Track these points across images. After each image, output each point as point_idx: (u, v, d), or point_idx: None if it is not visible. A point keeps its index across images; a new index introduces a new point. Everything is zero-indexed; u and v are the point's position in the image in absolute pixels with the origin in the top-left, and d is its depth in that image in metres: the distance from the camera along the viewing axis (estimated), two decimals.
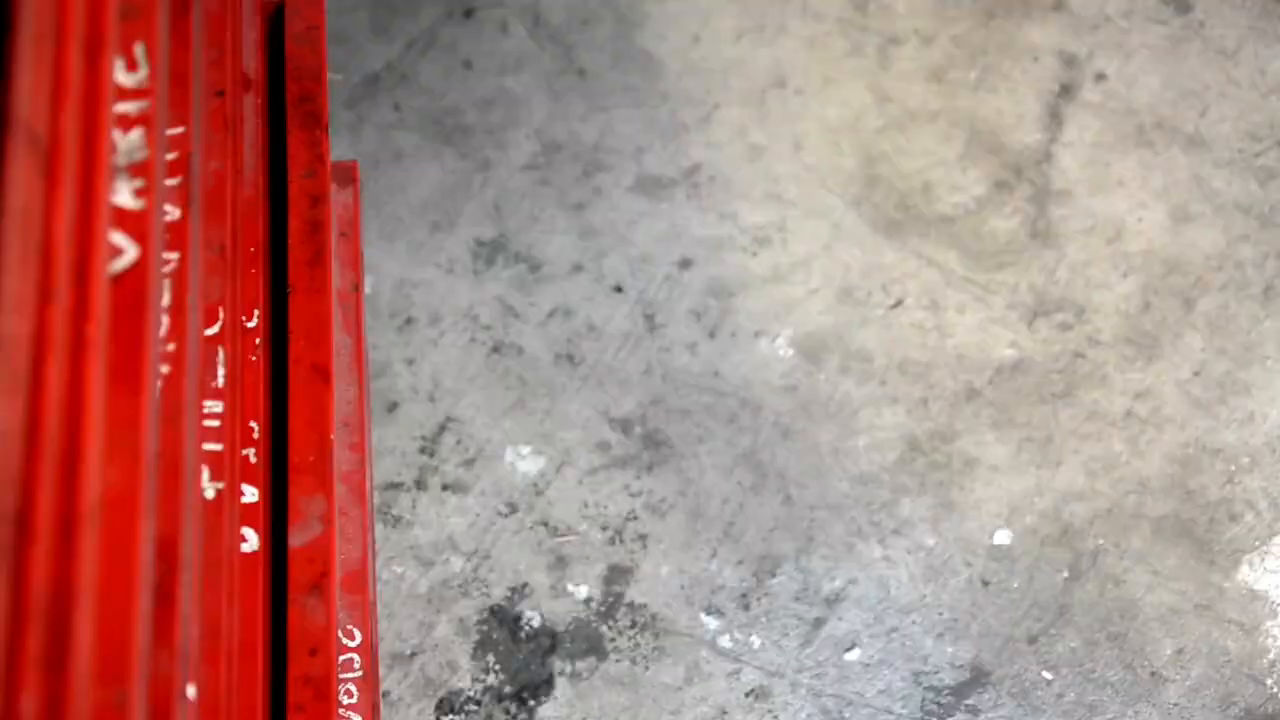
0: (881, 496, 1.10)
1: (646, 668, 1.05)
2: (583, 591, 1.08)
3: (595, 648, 1.06)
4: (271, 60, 0.92)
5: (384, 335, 1.16)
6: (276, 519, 0.74)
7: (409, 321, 1.17)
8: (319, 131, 0.83)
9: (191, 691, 0.59)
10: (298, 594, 0.69)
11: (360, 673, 0.78)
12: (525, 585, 1.08)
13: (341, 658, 0.77)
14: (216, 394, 0.71)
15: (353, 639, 0.78)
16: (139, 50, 0.56)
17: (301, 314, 0.77)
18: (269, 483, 0.78)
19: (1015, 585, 1.07)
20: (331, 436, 0.73)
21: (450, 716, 1.04)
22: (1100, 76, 1.28)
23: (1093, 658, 1.04)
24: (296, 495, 0.71)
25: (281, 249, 0.82)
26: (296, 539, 0.70)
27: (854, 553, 1.09)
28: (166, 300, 0.60)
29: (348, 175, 0.93)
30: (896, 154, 1.25)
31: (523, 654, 1.06)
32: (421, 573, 1.09)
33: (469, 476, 1.12)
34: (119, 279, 0.52)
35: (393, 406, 1.14)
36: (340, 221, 0.88)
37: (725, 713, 1.04)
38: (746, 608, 1.07)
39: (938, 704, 1.03)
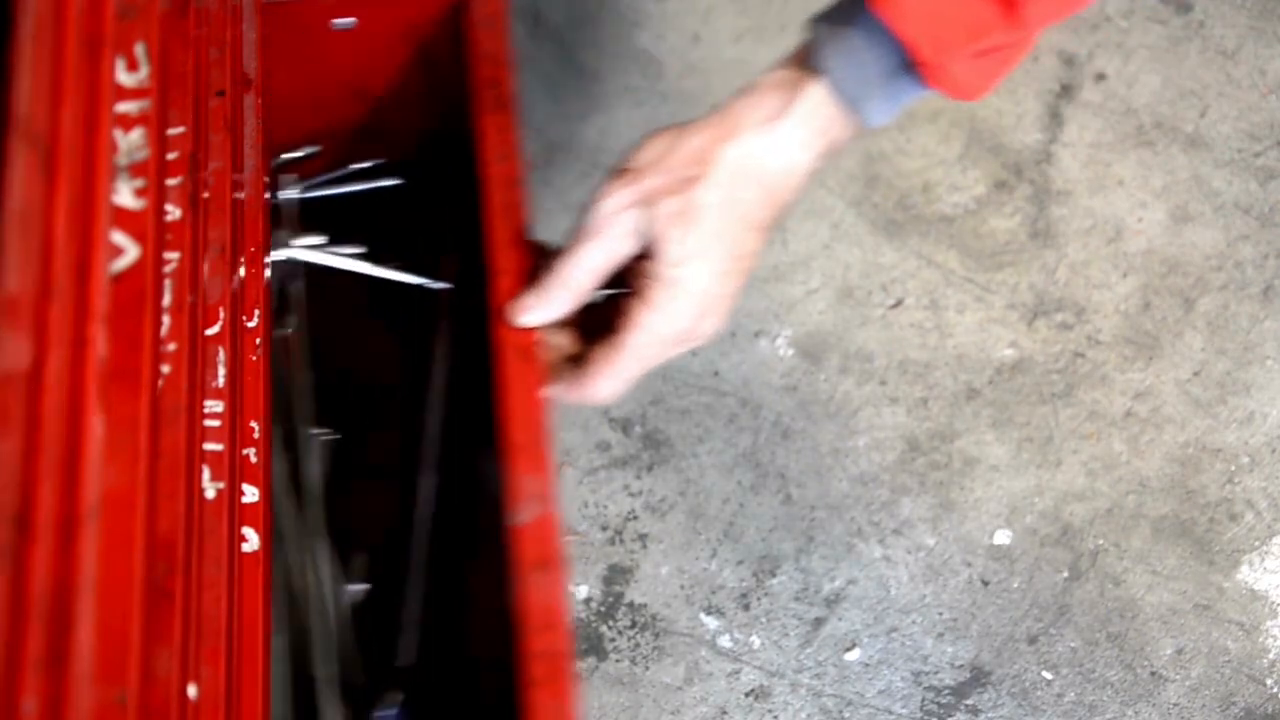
0: (881, 496, 1.11)
1: (647, 668, 1.05)
2: (583, 591, 1.08)
3: (595, 648, 1.06)
4: (455, 47, 0.93)
5: None
6: (500, 499, 0.75)
7: None
8: (508, 115, 0.84)
9: (192, 691, 0.59)
10: (526, 571, 0.69)
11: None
12: None
13: None
14: (217, 394, 0.71)
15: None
16: (139, 50, 0.56)
17: (506, 297, 0.77)
18: (264, 485, 0.78)
19: (1015, 585, 1.07)
20: (545, 417, 0.73)
21: None
22: (1100, 76, 1.28)
23: (1093, 658, 1.04)
24: (518, 474, 0.72)
25: (476, 235, 0.83)
26: (520, 517, 0.71)
27: (854, 553, 1.09)
28: (167, 300, 0.60)
29: None
30: (896, 154, 1.25)
31: None
32: None
33: None
34: (120, 279, 0.52)
35: None
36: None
37: (725, 713, 1.04)
38: (746, 608, 1.07)
39: (938, 704, 1.03)
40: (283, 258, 0.98)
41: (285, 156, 1.03)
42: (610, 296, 0.79)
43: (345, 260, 0.99)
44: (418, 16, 0.94)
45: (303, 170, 1.03)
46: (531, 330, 0.76)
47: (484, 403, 0.80)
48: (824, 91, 0.72)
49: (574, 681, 0.67)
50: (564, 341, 0.79)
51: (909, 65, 0.71)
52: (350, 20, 0.93)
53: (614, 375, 0.75)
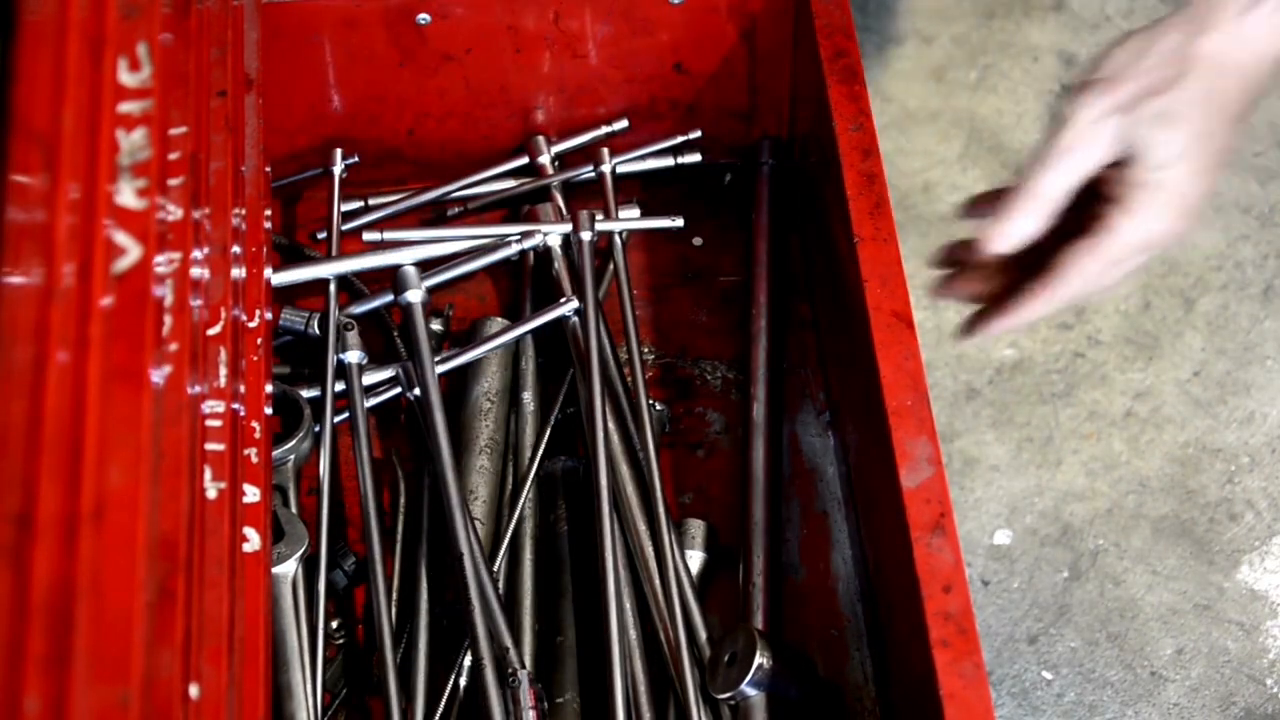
0: None
1: None
2: None
3: None
4: (789, 24, 0.96)
5: None
6: (876, 461, 0.76)
7: None
8: (859, 85, 0.86)
9: (194, 690, 0.59)
10: (921, 533, 0.70)
11: None
12: None
13: None
14: (218, 394, 0.71)
15: None
16: (142, 50, 0.56)
17: (873, 262, 0.78)
18: (259, 481, 0.78)
19: (1015, 585, 1.07)
20: (924, 380, 0.75)
21: None
22: None
23: (1093, 658, 1.04)
24: (900, 438, 0.74)
25: (835, 204, 0.84)
26: (909, 480, 0.72)
27: None
28: (168, 300, 0.61)
29: None
30: (896, 154, 1.25)
31: None
32: None
33: None
34: (122, 278, 0.52)
35: None
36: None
37: None
38: None
39: None
40: (604, 229, 0.99)
41: (601, 131, 1.04)
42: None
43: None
44: None
45: (615, 144, 1.04)
46: (904, 293, 0.77)
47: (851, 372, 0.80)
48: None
49: (977, 643, 0.67)
50: (980, 284, 0.78)
51: None
52: None
53: (1081, 282, 0.74)
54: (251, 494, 0.77)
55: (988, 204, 0.79)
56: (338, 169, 1.02)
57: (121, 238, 0.52)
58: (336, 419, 0.92)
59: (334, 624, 0.88)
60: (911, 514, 0.71)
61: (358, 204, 1.05)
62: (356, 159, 1.04)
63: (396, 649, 0.84)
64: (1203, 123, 0.71)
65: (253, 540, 0.75)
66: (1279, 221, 1.21)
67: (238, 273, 0.79)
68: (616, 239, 1.01)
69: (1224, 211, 1.22)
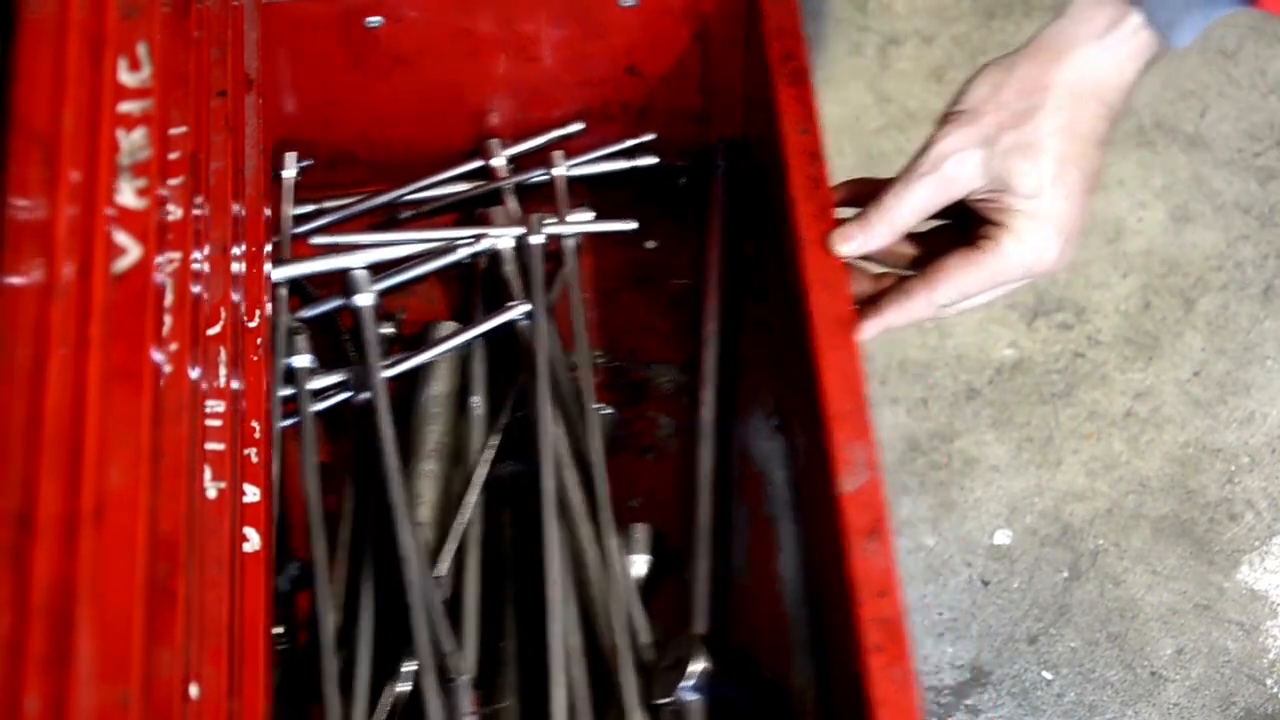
0: None
1: None
2: None
3: None
4: (739, 26, 0.95)
5: None
6: (816, 465, 0.77)
7: None
8: (806, 88, 0.85)
9: (194, 690, 0.59)
10: (857, 538, 0.70)
11: None
12: None
13: None
14: (218, 394, 0.71)
15: None
16: (142, 50, 0.56)
17: (818, 267, 0.78)
18: (270, 484, 0.78)
19: (1015, 585, 1.07)
20: (864, 385, 0.75)
21: None
22: None
23: (1093, 658, 1.04)
24: (841, 441, 0.73)
25: (779, 208, 0.84)
26: (847, 485, 0.71)
27: None
28: (169, 300, 0.60)
29: None
30: (896, 154, 1.25)
31: None
32: None
33: None
34: (122, 278, 0.52)
35: None
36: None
37: None
38: None
39: (938, 704, 1.04)
40: (555, 232, 0.99)
41: (555, 134, 1.04)
42: (938, 228, 0.80)
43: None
44: None
45: (570, 147, 1.04)
46: (847, 298, 0.77)
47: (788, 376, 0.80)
48: (1139, 18, 0.72)
49: (909, 648, 0.67)
50: (864, 282, 0.80)
51: None
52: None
53: (959, 287, 0.76)
54: (252, 494, 0.77)
55: (859, 193, 0.80)
56: (290, 172, 1.02)
57: (121, 237, 0.52)
58: (284, 423, 0.92)
59: (278, 630, 0.87)
60: (848, 518, 0.71)
61: (311, 207, 1.04)
62: (311, 162, 1.03)
63: (339, 654, 0.84)
64: (1065, 149, 0.73)
65: (253, 540, 0.75)
66: (1279, 221, 1.21)
67: (238, 272, 0.79)
68: (567, 243, 1.01)
69: (1224, 211, 1.22)
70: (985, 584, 1.07)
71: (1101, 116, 0.73)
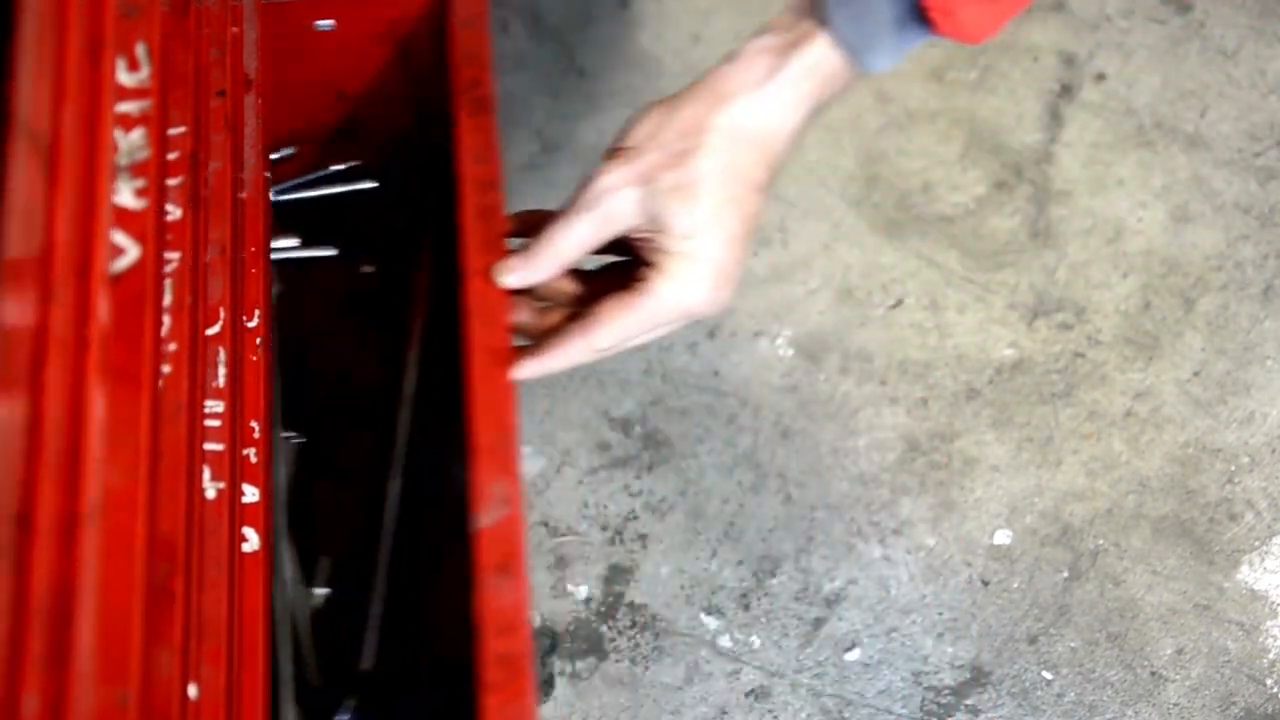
0: (881, 496, 1.11)
1: (647, 668, 1.05)
2: (583, 591, 1.08)
3: (595, 648, 1.06)
4: (435, 48, 0.93)
5: None
6: (464, 502, 0.75)
7: None
8: (488, 117, 0.84)
9: (193, 690, 0.59)
10: (487, 574, 0.69)
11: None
12: None
13: None
14: (217, 394, 0.71)
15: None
16: (140, 50, 0.56)
17: (479, 298, 0.77)
18: (267, 482, 0.78)
19: (1015, 585, 1.07)
20: (513, 419, 0.74)
21: None
22: (1100, 76, 1.28)
23: (1093, 658, 1.04)
24: (482, 478, 0.72)
25: (452, 236, 0.83)
26: (484, 520, 0.71)
27: (854, 553, 1.09)
28: (168, 300, 0.60)
29: None
30: (896, 154, 1.25)
31: None
32: None
33: None
34: (120, 279, 0.52)
35: None
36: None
37: (725, 713, 1.04)
38: (746, 608, 1.07)
39: (938, 704, 1.03)
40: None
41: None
42: (606, 265, 0.80)
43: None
44: (398, 17, 0.94)
45: (279, 173, 1.03)
46: (504, 331, 0.77)
47: (455, 406, 0.80)
48: (824, 46, 0.72)
49: (532, 686, 0.67)
50: (529, 315, 0.80)
51: (917, 11, 0.71)
52: (330, 22, 0.93)
53: (615, 330, 0.75)
54: (251, 494, 0.77)
55: (529, 224, 0.80)
56: None
57: (120, 238, 0.52)
58: None
59: None
60: (481, 554, 0.70)
61: None
62: None
63: None
64: (722, 193, 0.73)
65: (252, 540, 0.75)
66: (1279, 221, 1.21)
67: (236, 272, 0.79)
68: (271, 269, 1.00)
69: (1224, 211, 1.22)
70: (985, 584, 1.07)
71: (759, 163, 0.74)
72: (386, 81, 0.99)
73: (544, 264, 0.76)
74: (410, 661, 0.88)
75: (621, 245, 0.77)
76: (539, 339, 0.78)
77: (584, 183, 0.75)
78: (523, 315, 0.79)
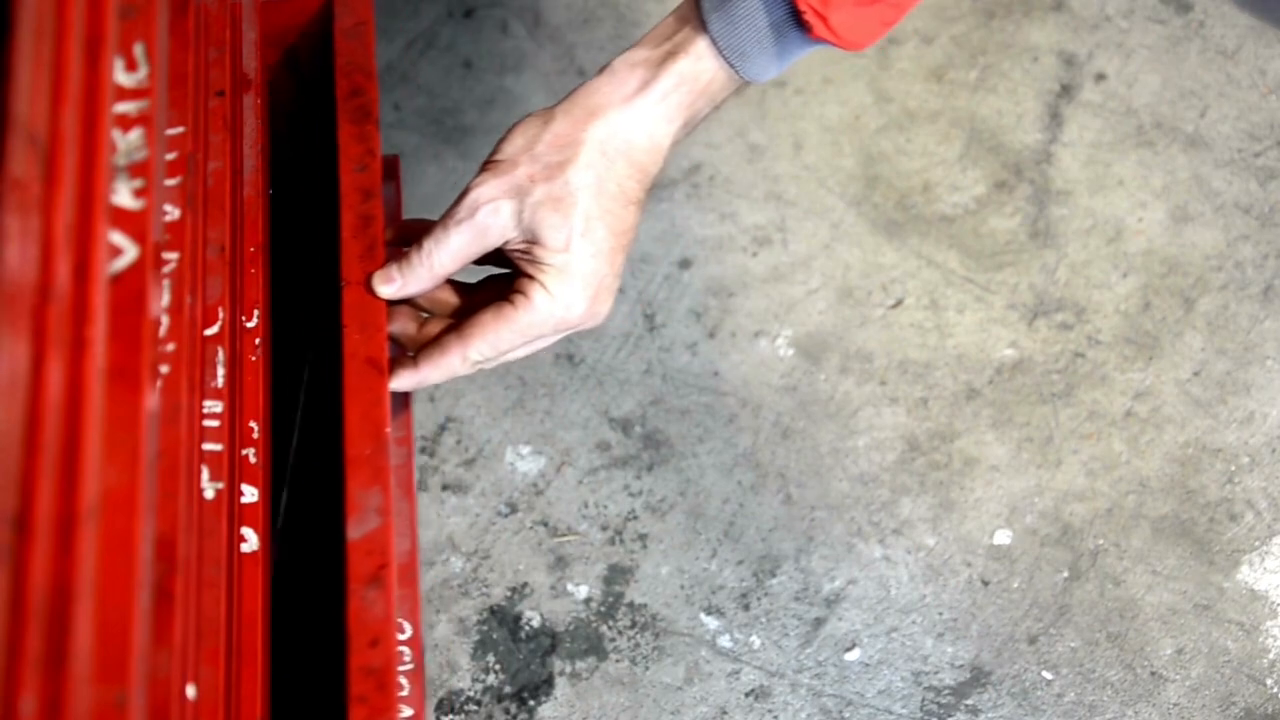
0: (881, 496, 1.10)
1: (646, 668, 1.05)
2: (583, 591, 1.08)
3: (595, 648, 1.06)
4: (322, 56, 0.92)
5: None
6: (337, 513, 0.75)
7: None
8: (369, 125, 0.84)
9: (191, 691, 0.59)
10: (357, 586, 0.69)
11: (411, 665, 0.78)
12: (525, 585, 1.08)
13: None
14: (216, 394, 0.71)
15: (403, 632, 0.79)
16: (139, 50, 0.56)
17: (355, 307, 0.77)
18: (267, 482, 0.78)
19: (1015, 585, 1.07)
20: (387, 429, 0.73)
21: (450, 716, 1.04)
22: (1100, 76, 1.28)
23: (1093, 658, 1.04)
24: (354, 488, 0.72)
25: (333, 244, 0.83)
26: (355, 531, 0.70)
27: (854, 553, 1.09)
28: (166, 300, 0.60)
29: (391, 169, 0.94)
30: (896, 154, 1.25)
31: (523, 654, 1.06)
32: (422, 572, 1.09)
33: (469, 476, 1.12)
34: (118, 279, 0.52)
35: None
36: (383, 216, 0.89)
37: (725, 713, 1.04)
38: (746, 608, 1.07)
39: (938, 704, 1.03)
40: None
41: None
42: (487, 277, 0.80)
43: None
44: (286, 25, 0.93)
45: None
46: (381, 341, 0.76)
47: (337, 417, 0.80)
48: (701, 55, 0.73)
49: (395, 700, 0.67)
50: (410, 325, 0.79)
51: (794, 16, 0.71)
52: None
53: (492, 343, 0.75)
54: (250, 494, 0.76)
55: (408, 234, 0.80)
56: None
57: (118, 238, 0.52)
58: None
59: None
60: (352, 565, 0.70)
61: None
62: None
63: None
64: (596, 206, 0.73)
65: (251, 541, 0.75)
66: (1279, 221, 1.21)
67: (235, 272, 0.79)
68: None
69: (1224, 211, 1.22)
70: (985, 584, 1.07)
71: (631, 176, 0.74)
72: (276, 89, 0.98)
73: (420, 275, 0.76)
74: (297, 677, 0.88)
75: (503, 257, 0.77)
76: (418, 349, 0.78)
77: (459, 196, 0.75)
78: (404, 325, 0.79)
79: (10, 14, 0.47)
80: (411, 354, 0.78)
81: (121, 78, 0.56)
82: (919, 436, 1.12)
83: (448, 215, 0.75)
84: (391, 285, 0.77)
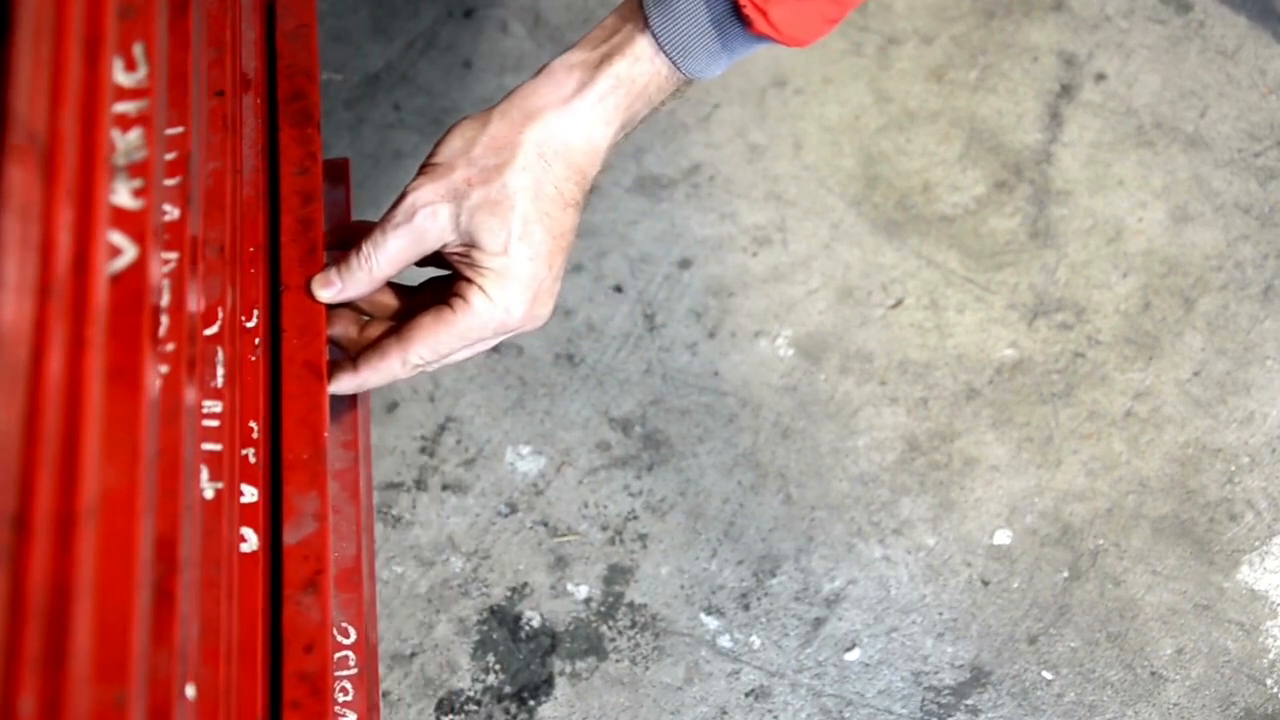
0: (881, 496, 1.10)
1: (646, 668, 1.05)
2: (583, 591, 1.08)
3: (595, 648, 1.06)
4: (265, 59, 0.92)
5: None
6: (273, 517, 0.75)
7: None
8: (311, 129, 0.84)
9: (190, 691, 0.59)
10: (292, 591, 0.69)
11: (355, 670, 0.78)
12: (525, 585, 1.08)
13: (336, 655, 0.78)
14: (216, 394, 0.71)
15: (347, 636, 0.78)
16: (138, 50, 0.56)
17: (294, 311, 0.77)
18: (268, 482, 0.78)
19: (1015, 585, 1.07)
20: (325, 434, 0.73)
21: (450, 716, 1.04)
22: (1100, 76, 1.28)
23: (1093, 658, 1.04)
24: (290, 492, 0.72)
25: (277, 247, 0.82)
26: (291, 536, 0.70)
27: (854, 553, 1.09)
28: (165, 300, 0.60)
29: (340, 173, 0.94)
30: (896, 154, 1.25)
31: (523, 654, 1.06)
32: (421, 572, 1.09)
33: (469, 476, 1.12)
34: (118, 279, 0.52)
35: (392, 406, 1.14)
36: (332, 219, 0.88)
37: (725, 713, 1.04)
38: (746, 608, 1.07)
39: (938, 704, 1.03)
40: None
41: None
42: (427, 280, 0.80)
43: None
44: None
45: None
46: (319, 345, 0.76)
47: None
48: (640, 54, 0.72)
49: (330, 706, 0.66)
50: (350, 328, 0.79)
51: (736, 12, 0.71)
52: None
53: (432, 346, 0.75)
54: (249, 494, 0.76)
55: (349, 237, 0.80)
56: None
57: (117, 238, 0.52)
58: None
59: None
60: (287, 571, 0.69)
61: None
62: None
63: None
64: (534, 209, 0.73)
65: (251, 540, 0.75)
66: (1279, 221, 1.21)
67: (235, 272, 0.79)
68: None
69: (1224, 211, 1.21)
70: (985, 584, 1.07)
71: (569, 179, 0.74)
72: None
73: (359, 279, 0.76)
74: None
75: (443, 259, 0.77)
76: (358, 353, 0.78)
77: (397, 199, 0.75)
78: (345, 328, 0.79)
79: (10, 14, 0.47)
80: (353, 357, 0.78)
81: (121, 78, 0.56)
82: (919, 436, 1.12)
83: (385, 219, 0.75)
84: (330, 289, 0.77)
